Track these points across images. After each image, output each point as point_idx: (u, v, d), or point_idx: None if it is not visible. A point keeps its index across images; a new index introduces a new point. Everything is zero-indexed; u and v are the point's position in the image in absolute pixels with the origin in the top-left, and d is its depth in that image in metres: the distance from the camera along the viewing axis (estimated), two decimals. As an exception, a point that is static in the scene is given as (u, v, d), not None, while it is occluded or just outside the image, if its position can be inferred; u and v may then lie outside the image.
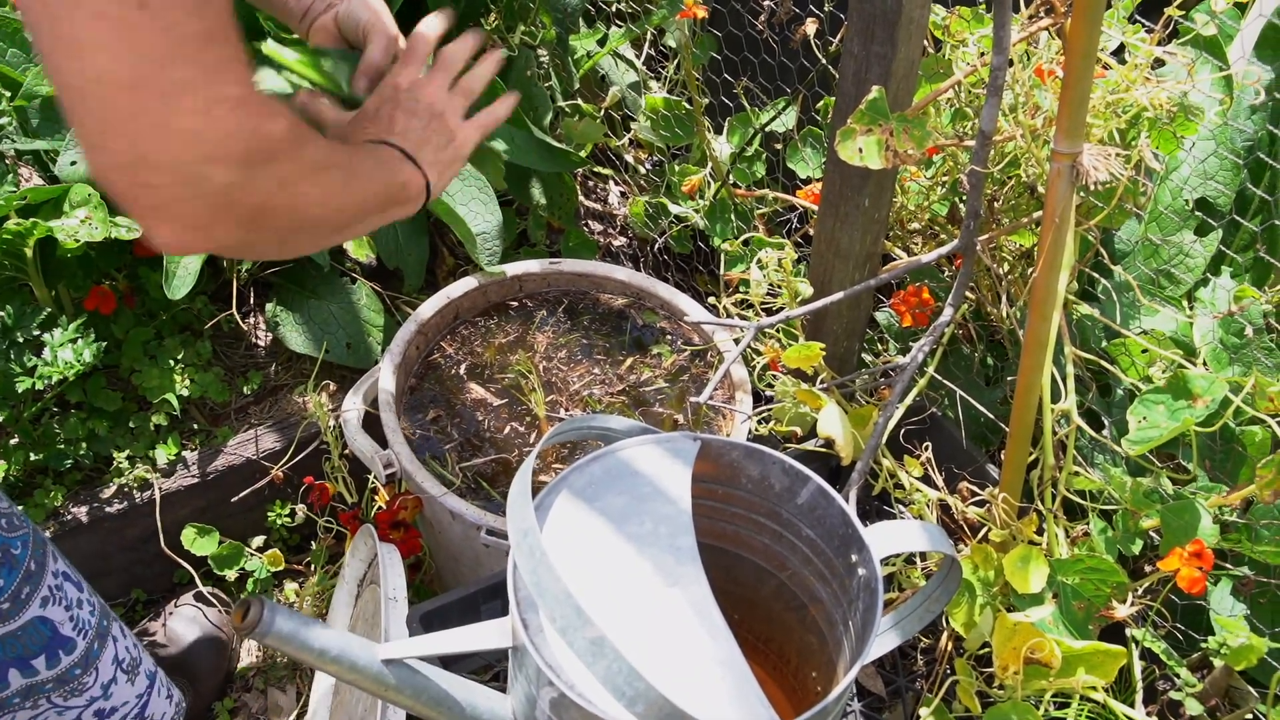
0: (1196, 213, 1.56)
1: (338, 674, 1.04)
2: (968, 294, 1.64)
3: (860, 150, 1.28)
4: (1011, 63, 1.45)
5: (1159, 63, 1.40)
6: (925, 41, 1.54)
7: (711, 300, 1.76)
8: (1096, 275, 1.49)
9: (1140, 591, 1.27)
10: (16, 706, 1.28)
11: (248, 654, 1.86)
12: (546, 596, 0.96)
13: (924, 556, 1.46)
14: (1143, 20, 1.43)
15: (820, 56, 1.76)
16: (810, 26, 1.68)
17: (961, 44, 1.45)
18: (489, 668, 1.43)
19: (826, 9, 1.79)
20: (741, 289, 1.75)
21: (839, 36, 1.77)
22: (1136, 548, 1.27)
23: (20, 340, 1.69)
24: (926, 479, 1.45)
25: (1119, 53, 1.40)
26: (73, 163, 1.79)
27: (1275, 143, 1.55)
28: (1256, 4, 1.67)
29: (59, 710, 1.33)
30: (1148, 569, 1.28)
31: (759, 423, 1.61)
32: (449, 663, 1.21)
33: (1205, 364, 1.39)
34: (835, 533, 1.19)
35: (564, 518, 1.12)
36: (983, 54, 1.40)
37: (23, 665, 1.25)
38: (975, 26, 1.47)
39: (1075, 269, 1.46)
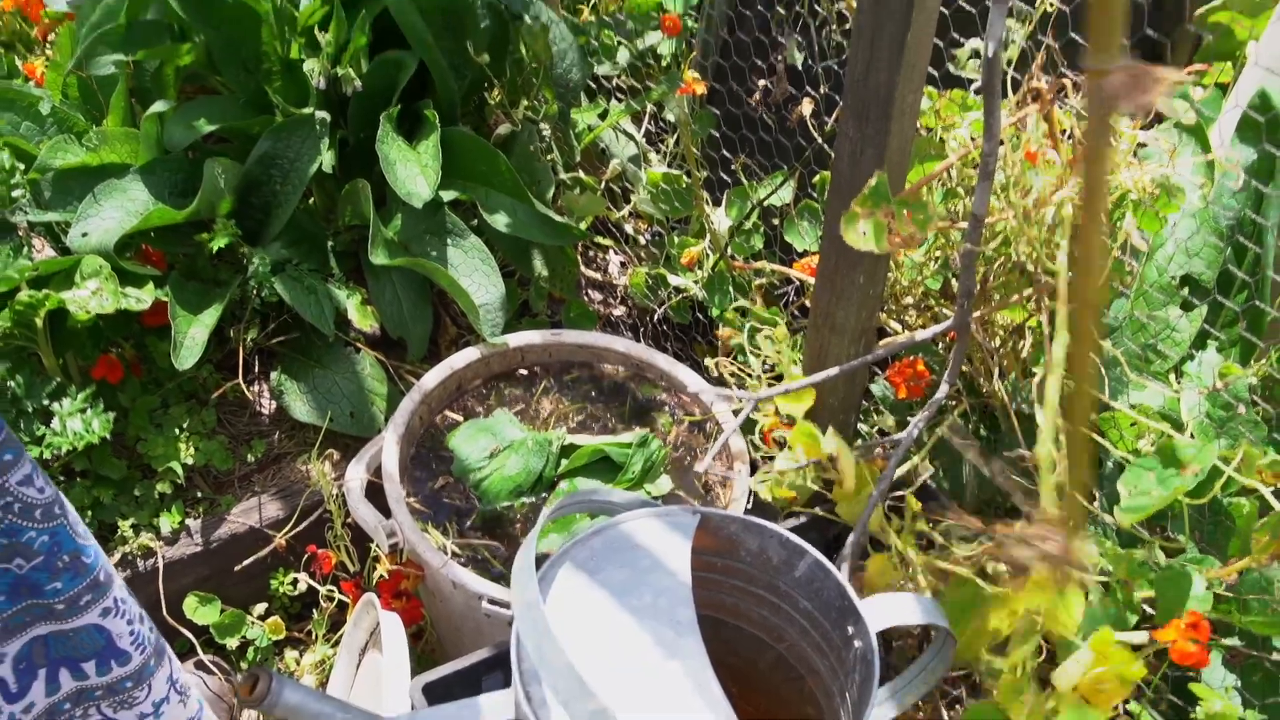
0: (1182, 290, 1.60)
1: (343, 746, 1.05)
2: (964, 368, 1.67)
3: (864, 234, 1.32)
4: (1002, 142, 1.49)
5: (1141, 145, 1.44)
6: (919, 123, 1.59)
7: (707, 360, 1.79)
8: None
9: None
10: (68, 713, 1.29)
11: (247, 722, 1.86)
12: (549, 669, 0.98)
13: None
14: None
15: (816, 135, 1.80)
16: (806, 107, 1.73)
17: (953, 127, 1.49)
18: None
19: (822, 90, 1.84)
20: (739, 358, 1.78)
21: (834, 117, 1.82)
22: (1131, 622, 1.29)
23: (30, 410, 1.72)
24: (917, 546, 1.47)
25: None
26: (84, 234, 1.82)
27: (1257, 225, 1.59)
28: (1233, 94, 1.72)
29: None
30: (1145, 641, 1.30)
31: (758, 484, 1.63)
32: (451, 733, 1.22)
33: (1193, 436, 1.41)
34: (832, 605, 1.20)
35: (567, 590, 1.14)
36: (974, 138, 1.44)
37: (73, 666, 1.26)
38: (965, 112, 1.51)
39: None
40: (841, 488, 1.45)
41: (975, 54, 1.62)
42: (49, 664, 1.24)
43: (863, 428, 1.87)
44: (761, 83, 1.91)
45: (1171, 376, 1.58)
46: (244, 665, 1.84)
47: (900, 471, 1.54)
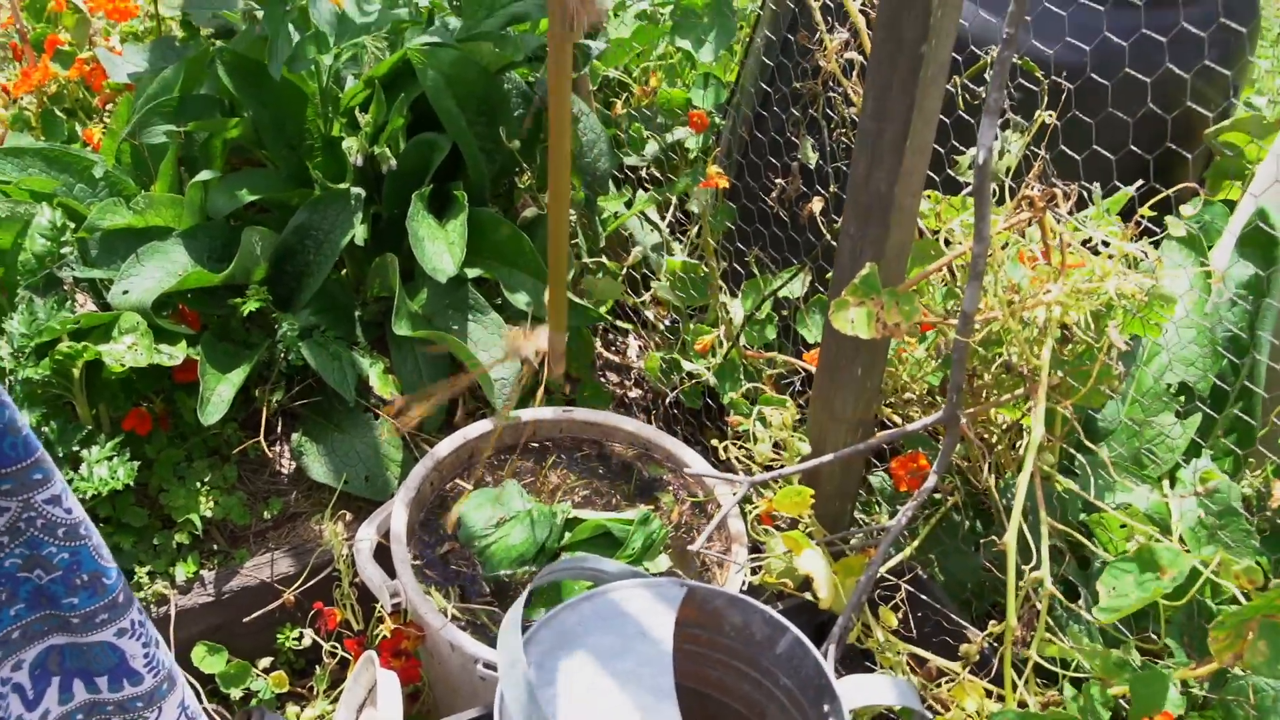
0: (1179, 397, 1.63)
1: (328, 789, 1.08)
2: (962, 463, 1.71)
3: (852, 321, 1.37)
4: (1005, 245, 1.55)
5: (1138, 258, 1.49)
6: (922, 225, 1.65)
7: (714, 442, 1.83)
8: (1074, 452, 1.55)
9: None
10: None
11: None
12: (528, 724, 1.01)
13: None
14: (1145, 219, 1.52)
15: (825, 232, 1.87)
16: (817, 205, 1.80)
17: (950, 231, 1.55)
18: (475, 798, 1.46)
19: (831, 189, 1.91)
20: (746, 443, 1.83)
21: (843, 216, 1.89)
22: (1105, 716, 1.31)
23: (60, 454, 1.79)
24: (905, 635, 1.49)
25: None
26: (125, 292, 1.90)
27: (1253, 338, 1.63)
28: (1238, 211, 1.77)
29: None
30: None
31: (752, 572, 1.66)
32: (436, 789, 1.25)
33: (1182, 541, 1.44)
34: (811, 683, 1.23)
35: (554, 653, 1.17)
36: (958, 241, 1.50)
37: (87, 679, 1.30)
38: (961, 213, 1.57)
39: (1054, 443, 1.53)
40: (821, 597, 1.48)
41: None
42: (63, 674, 1.29)
43: (863, 518, 1.90)
44: (778, 180, 1.98)
45: (1167, 481, 1.61)
46: (244, 708, 1.88)
47: (893, 563, 1.58)
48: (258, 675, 1.87)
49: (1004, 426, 1.66)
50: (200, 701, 1.84)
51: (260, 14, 1.98)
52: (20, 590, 1.22)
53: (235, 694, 1.86)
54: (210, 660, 1.85)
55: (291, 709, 1.90)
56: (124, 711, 1.35)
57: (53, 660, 1.28)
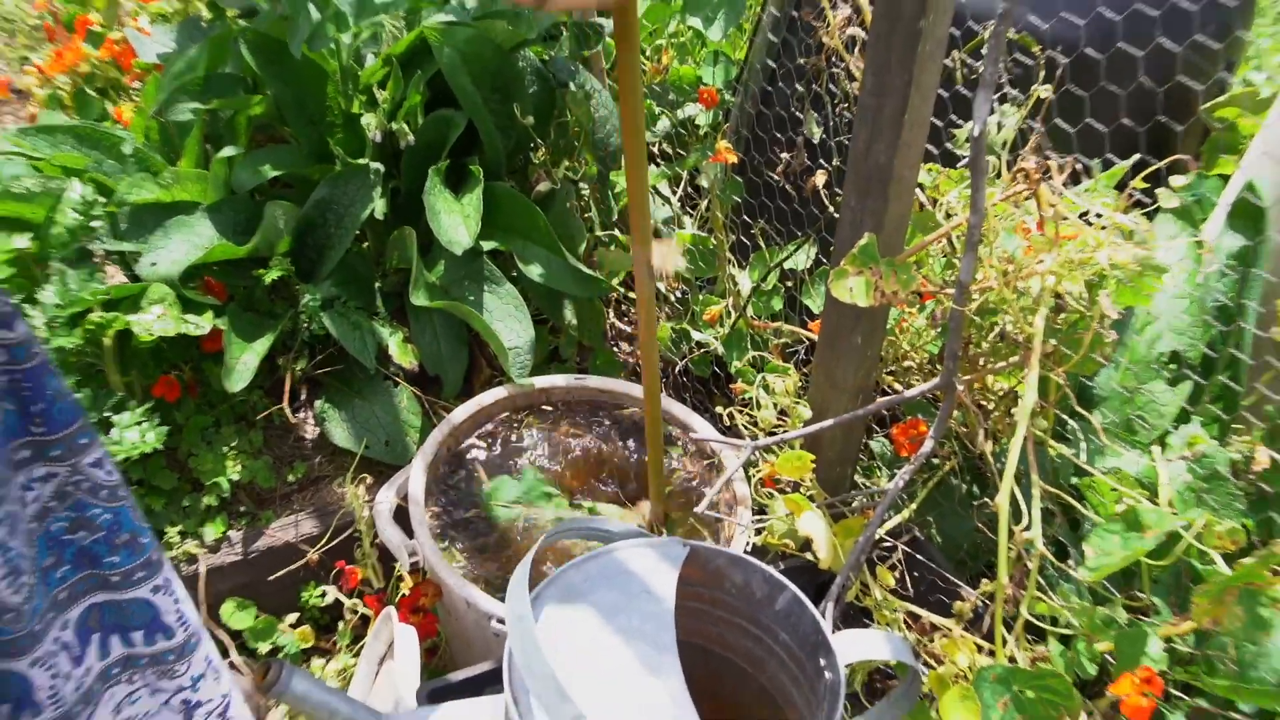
0: (1170, 364, 1.62)
1: (344, 737, 1.10)
2: (959, 429, 1.71)
3: (851, 289, 1.37)
4: (1001, 216, 1.54)
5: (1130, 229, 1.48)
6: (921, 196, 1.64)
7: (720, 409, 1.83)
8: (1067, 418, 1.54)
9: (1097, 715, 1.31)
10: (116, 678, 1.34)
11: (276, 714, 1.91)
12: (534, 677, 1.02)
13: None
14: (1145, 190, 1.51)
15: (829, 205, 1.86)
16: (820, 178, 1.78)
17: (948, 203, 1.54)
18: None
19: (835, 163, 1.89)
20: (751, 409, 1.83)
21: (844, 188, 1.87)
22: (1092, 670, 1.31)
23: (93, 420, 1.80)
24: (902, 594, 1.49)
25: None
26: (153, 264, 1.91)
27: (1240, 308, 1.61)
28: (1231, 184, 1.75)
29: (151, 690, 1.38)
30: (1108, 693, 1.31)
31: (755, 533, 1.66)
32: (449, 738, 1.26)
33: (1170, 504, 1.43)
34: (808, 639, 1.24)
35: (560, 608, 1.18)
36: (953, 213, 1.49)
37: (123, 634, 1.31)
38: (958, 185, 1.56)
39: (1047, 409, 1.52)
40: (820, 558, 1.48)
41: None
42: (102, 629, 1.30)
43: (863, 482, 1.90)
44: (784, 155, 1.97)
45: (1159, 446, 1.60)
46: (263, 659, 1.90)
47: (891, 524, 1.58)
48: (284, 630, 1.89)
49: (999, 393, 1.65)
50: (228, 655, 1.86)
51: (282, -6, 1.97)
52: (66, 552, 1.24)
53: (263, 648, 1.88)
54: (239, 616, 1.86)
55: (317, 662, 1.92)
56: (157, 664, 1.37)
57: (93, 617, 1.30)
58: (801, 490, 1.61)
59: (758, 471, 1.70)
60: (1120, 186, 1.62)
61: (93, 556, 1.26)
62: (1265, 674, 1.32)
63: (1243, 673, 1.33)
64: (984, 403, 1.66)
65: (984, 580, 1.54)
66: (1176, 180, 1.51)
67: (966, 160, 1.40)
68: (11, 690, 1.20)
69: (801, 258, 2.08)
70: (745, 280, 2.18)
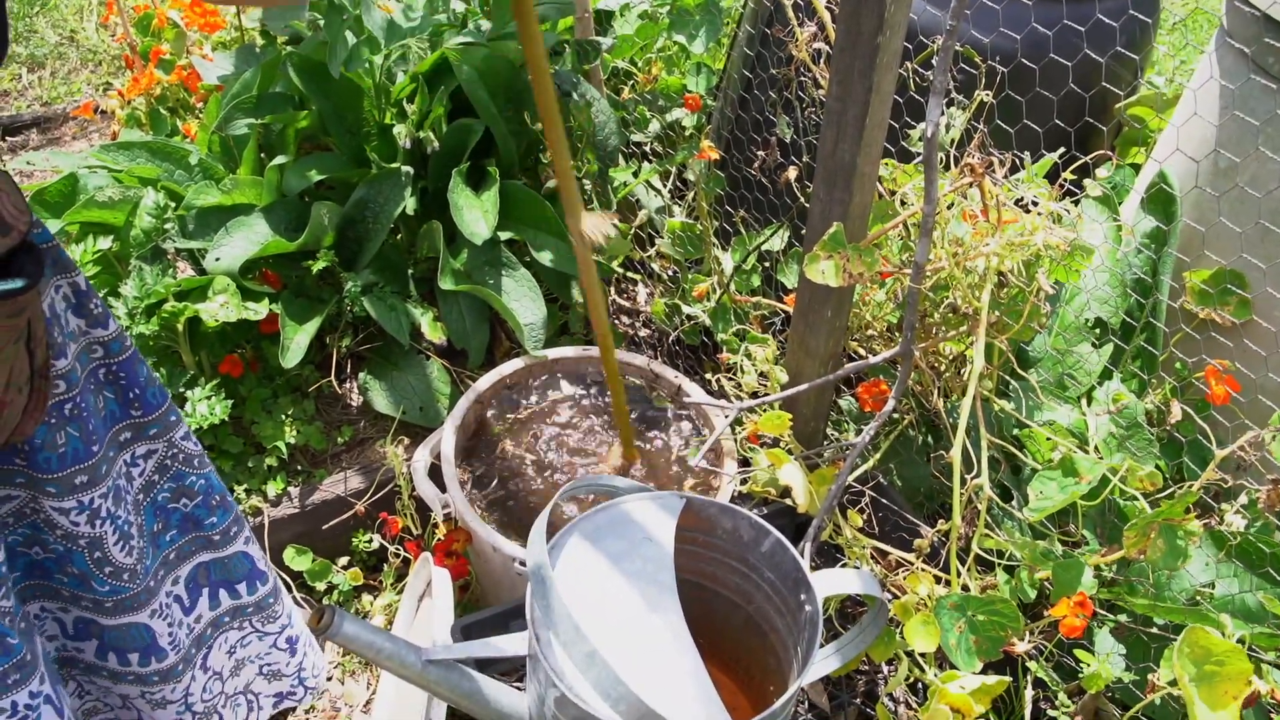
0: (1095, 330, 1.60)
1: (392, 669, 1.08)
2: (916, 388, 1.68)
3: (823, 271, 1.34)
4: (950, 205, 1.51)
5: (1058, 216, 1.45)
6: (881, 188, 1.60)
7: (709, 375, 1.81)
8: (1009, 378, 1.52)
9: (1037, 632, 1.30)
10: (228, 625, 1.33)
11: (329, 653, 1.90)
12: (552, 616, 1.00)
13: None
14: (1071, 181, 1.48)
15: (799, 195, 1.82)
16: (792, 173, 1.75)
17: (904, 194, 1.51)
18: (514, 670, 1.47)
19: (804, 159, 1.86)
20: (736, 375, 1.80)
21: (814, 182, 1.84)
22: (1032, 594, 1.29)
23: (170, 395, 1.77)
24: (869, 533, 1.48)
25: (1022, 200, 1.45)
26: (217, 259, 1.88)
27: (1155, 281, 1.59)
28: (1143, 173, 1.72)
29: (260, 635, 1.37)
30: (1046, 614, 1.30)
31: (741, 482, 1.65)
32: (482, 665, 1.26)
33: (1097, 450, 1.42)
34: (790, 576, 1.22)
35: (574, 555, 1.16)
36: (908, 202, 1.46)
37: (229, 588, 1.31)
38: (913, 178, 1.53)
39: (992, 370, 1.50)
40: (798, 503, 1.46)
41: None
42: (210, 584, 1.29)
43: (834, 434, 1.88)
44: (760, 153, 1.93)
45: (1085, 401, 1.58)
46: (318, 604, 1.89)
47: (859, 473, 1.56)
48: (338, 571, 1.88)
49: (950, 357, 1.63)
50: (291, 593, 1.85)
51: (323, 23, 1.93)
52: (172, 518, 1.22)
53: (320, 586, 1.86)
54: (299, 560, 1.85)
55: (366, 598, 1.91)
56: (260, 610, 1.35)
57: (201, 575, 1.29)
58: (781, 445, 1.59)
59: (742, 429, 1.68)
60: (1052, 178, 1.59)
61: (195, 520, 1.24)
62: (1177, 594, 1.31)
63: (1159, 594, 1.32)
64: (937, 366, 1.64)
65: (940, 520, 1.53)
66: (1101, 172, 1.48)
67: (921, 157, 1.36)
68: (141, 638, 1.19)
69: (777, 241, 2.05)
70: (728, 261, 2.14)
